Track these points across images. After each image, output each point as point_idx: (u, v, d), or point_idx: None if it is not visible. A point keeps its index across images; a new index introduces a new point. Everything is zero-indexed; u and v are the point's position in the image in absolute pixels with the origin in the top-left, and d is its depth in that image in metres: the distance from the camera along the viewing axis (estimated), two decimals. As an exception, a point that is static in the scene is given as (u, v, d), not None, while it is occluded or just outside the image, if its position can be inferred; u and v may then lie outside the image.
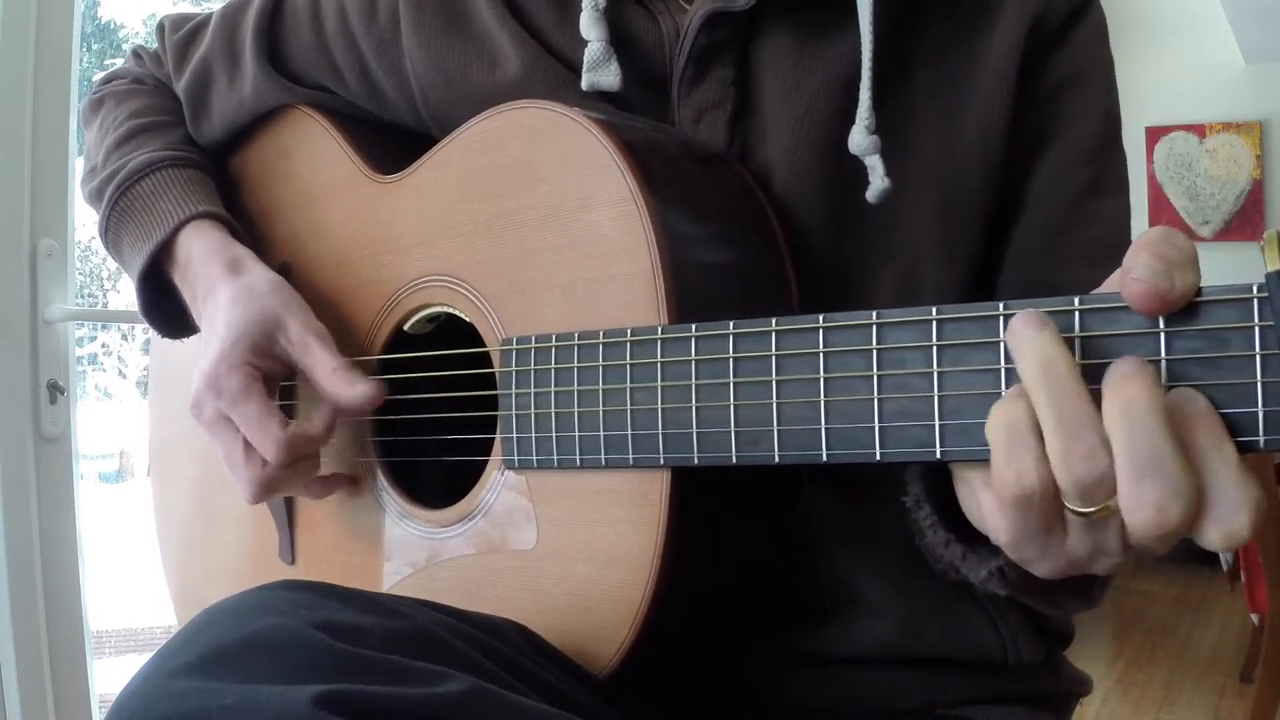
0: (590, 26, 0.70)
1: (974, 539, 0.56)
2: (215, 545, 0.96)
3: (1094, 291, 0.48)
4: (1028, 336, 0.46)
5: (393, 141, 0.83)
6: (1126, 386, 0.43)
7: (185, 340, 0.89)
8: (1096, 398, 0.45)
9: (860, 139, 0.66)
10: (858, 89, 0.66)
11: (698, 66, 0.70)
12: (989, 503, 0.49)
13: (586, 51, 0.70)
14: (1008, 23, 0.70)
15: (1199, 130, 5.37)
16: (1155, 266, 0.43)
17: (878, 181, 0.66)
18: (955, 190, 0.70)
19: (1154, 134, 5.41)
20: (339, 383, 0.74)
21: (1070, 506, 0.45)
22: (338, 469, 0.81)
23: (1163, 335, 0.44)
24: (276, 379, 0.78)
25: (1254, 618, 2.96)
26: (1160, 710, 3.16)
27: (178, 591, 1.03)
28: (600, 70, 0.70)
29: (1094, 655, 3.68)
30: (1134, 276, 0.43)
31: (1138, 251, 0.44)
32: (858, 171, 0.67)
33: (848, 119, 0.67)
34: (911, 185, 0.69)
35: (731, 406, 0.56)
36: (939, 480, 0.57)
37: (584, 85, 0.70)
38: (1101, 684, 3.31)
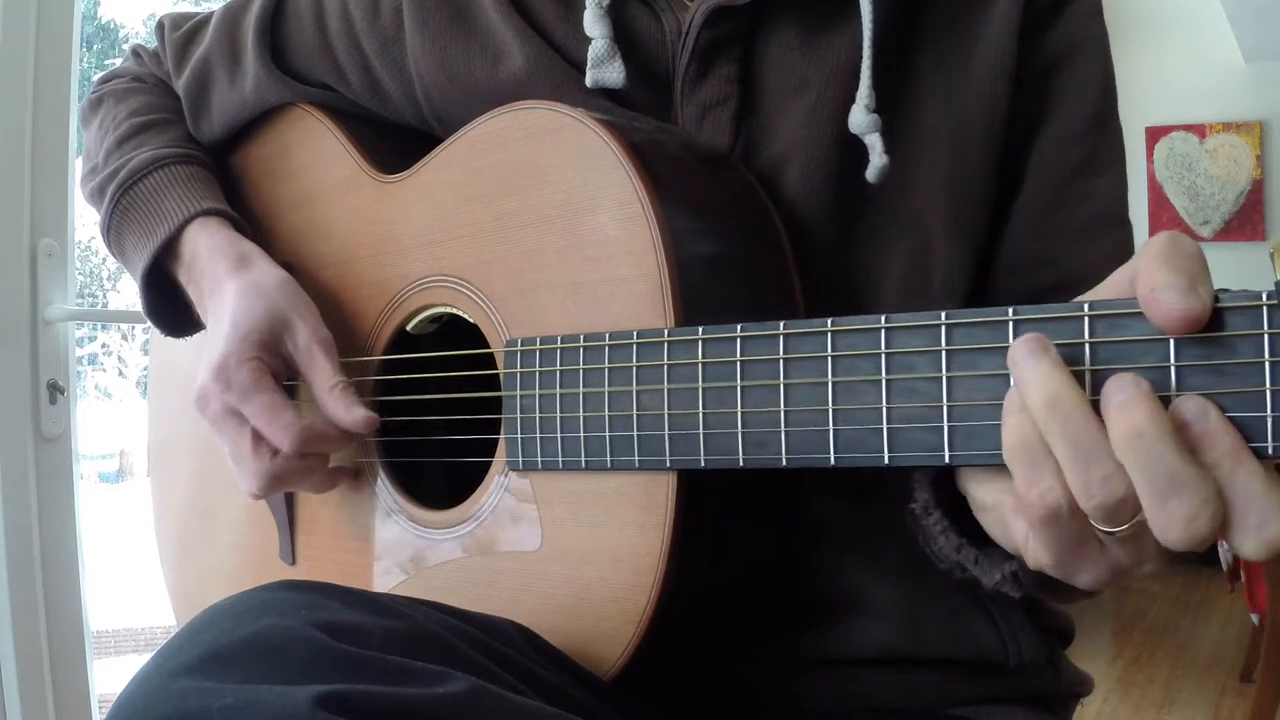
0: (594, 24, 0.70)
1: (984, 542, 0.56)
2: (215, 545, 0.96)
3: (1099, 294, 0.47)
4: (1030, 366, 0.45)
5: (395, 140, 0.83)
6: (1130, 415, 0.43)
7: (186, 339, 0.89)
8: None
9: (860, 118, 0.67)
10: None
11: (701, 63, 0.70)
12: (1021, 528, 0.49)
13: (591, 49, 0.70)
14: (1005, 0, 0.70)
15: (1199, 130, 5.37)
16: (1180, 284, 0.43)
17: (876, 159, 0.67)
18: (961, 168, 0.71)
19: (1154, 134, 5.41)
20: (336, 403, 0.74)
21: (1098, 527, 0.46)
22: (344, 463, 0.81)
23: (1172, 342, 0.44)
24: (281, 377, 0.78)
25: (1254, 618, 2.96)
26: (1160, 710, 3.16)
27: (177, 591, 1.03)
28: (605, 67, 0.70)
29: (1094, 655, 3.68)
30: (1165, 301, 0.43)
31: (1155, 269, 0.43)
32: (866, 155, 0.67)
33: None
34: (919, 164, 0.69)
35: (739, 410, 0.56)
36: (945, 484, 0.57)
37: (588, 82, 0.70)
38: (1101, 684, 3.31)
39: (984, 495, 0.52)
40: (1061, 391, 0.45)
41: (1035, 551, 0.48)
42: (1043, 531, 0.47)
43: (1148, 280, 0.43)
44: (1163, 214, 5.40)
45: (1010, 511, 0.49)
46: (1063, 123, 0.72)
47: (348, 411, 0.74)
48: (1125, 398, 0.44)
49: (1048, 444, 0.45)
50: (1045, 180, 0.72)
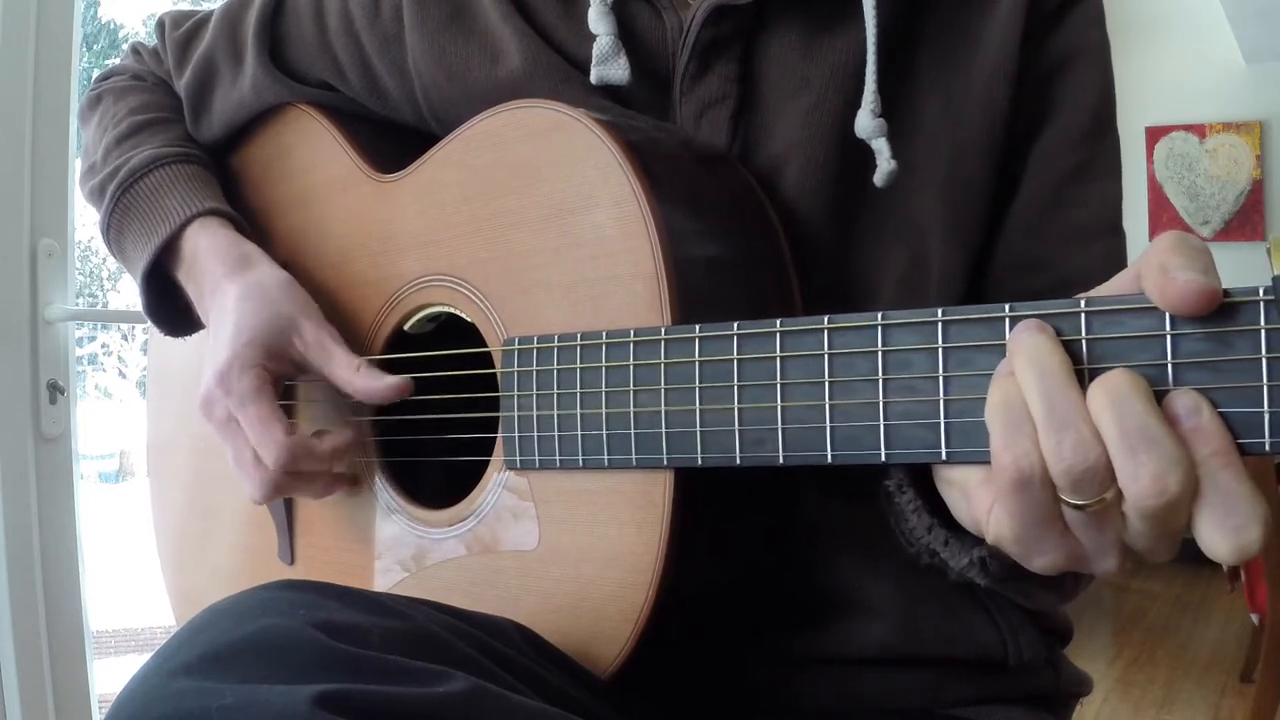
0: (599, 20, 0.70)
1: (955, 527, 0.55)
2: (214, 545, 0.96)
3: (1099, 293, 0.47)
4: (1023, 339, 0.46)
5: (393, 140, 0.83)
6: (1108, 377, 0.44)
7: (185, 339, 0.89)
8: None
9: (866, 122, 0.67)
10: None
11: (701, 61, 0.70)
12: (985, 500, 0.49)
13: (595, 45, 0.70)
14: (1008, 3, 0.70)
15: (1199, 130, 5.37)
16: (1195, 265, 0.43)
17: (884, 164, 0.67)
18: (960, 170, 0.71)
19: (1154, 134, 5.41)
20: (367, 378, 0.74)
21: (1065, 499, 0.45)
22: (339, 469, 0.81)
23: (1169, 338, 0.44)
24: (282, 382, 0.78)
25: (1254, 618, 2.96)
26: (1160, 710, 3.16)
27: (176, 591, 1.03)
28: (609, 64, 0.70)
29: (1094, 655, 3.68)
30: (1181, 277, 0.43)
31: (1167, 256, 0.43)
32: (866, 157, 0.67)
33: (857, 107, 0.67)
34: (918, 167, 0.69)
35: (736, 408, 0.56)
36: (921, 466, 0.57)
37: (593, 79, 0.70)
38: (1101, 684, 3.31)
39: (951, 470, 0.51)
40: (1047, 355, 0.45)
41: (997, 523, 0.48)
42: (1010, 499, 0.46)
43: (1161, 266, 0.43)
44: (1163, 214, 5.40)
45: (976, 483, 0.49)
46: (1061, 128, 0.72)
47: (381, 382, 0.74)
48: (1110, 373, 0.44)
49: (1028, 407, 0.45)
50: (1041, 184, 0.72)
